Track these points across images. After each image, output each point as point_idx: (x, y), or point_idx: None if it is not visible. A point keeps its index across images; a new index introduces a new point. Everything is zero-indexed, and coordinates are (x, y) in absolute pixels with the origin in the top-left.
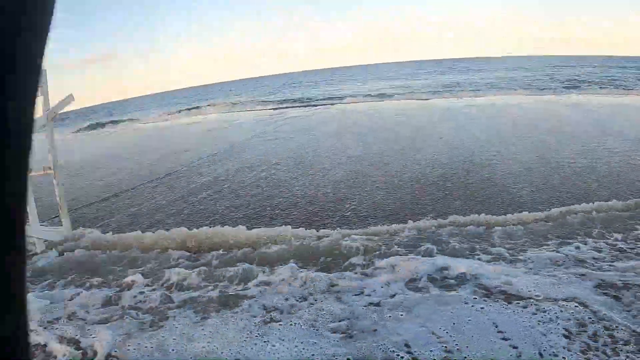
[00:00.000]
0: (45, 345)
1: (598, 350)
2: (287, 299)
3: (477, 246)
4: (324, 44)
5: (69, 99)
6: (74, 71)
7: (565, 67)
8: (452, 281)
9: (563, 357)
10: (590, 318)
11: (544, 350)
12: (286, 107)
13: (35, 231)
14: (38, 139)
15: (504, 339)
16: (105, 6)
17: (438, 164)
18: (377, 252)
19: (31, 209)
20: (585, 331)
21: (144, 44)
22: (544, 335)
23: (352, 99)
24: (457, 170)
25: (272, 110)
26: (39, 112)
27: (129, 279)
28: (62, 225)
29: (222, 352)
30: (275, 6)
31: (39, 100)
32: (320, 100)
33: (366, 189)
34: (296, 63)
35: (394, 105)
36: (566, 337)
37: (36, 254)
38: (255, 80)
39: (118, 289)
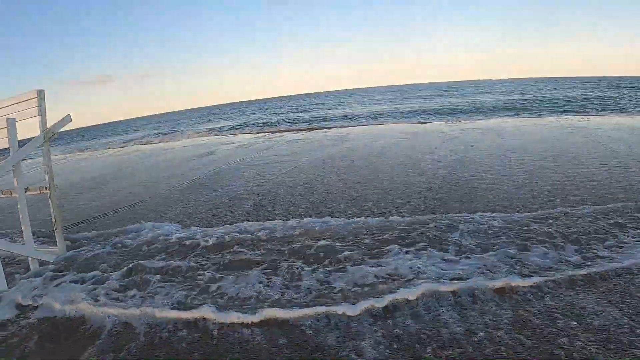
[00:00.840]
0: None
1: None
2: None
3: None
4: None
5: (67, 119)
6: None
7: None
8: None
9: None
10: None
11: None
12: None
13: (29, 251)
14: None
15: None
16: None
17: None
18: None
19: (26, 228)
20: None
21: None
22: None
23: None
24: None
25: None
26: (36, 131)
27: None
28: (56, 246)
29: None
30: None
31: (37, 120)
32: None
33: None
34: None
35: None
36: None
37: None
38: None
39: None
